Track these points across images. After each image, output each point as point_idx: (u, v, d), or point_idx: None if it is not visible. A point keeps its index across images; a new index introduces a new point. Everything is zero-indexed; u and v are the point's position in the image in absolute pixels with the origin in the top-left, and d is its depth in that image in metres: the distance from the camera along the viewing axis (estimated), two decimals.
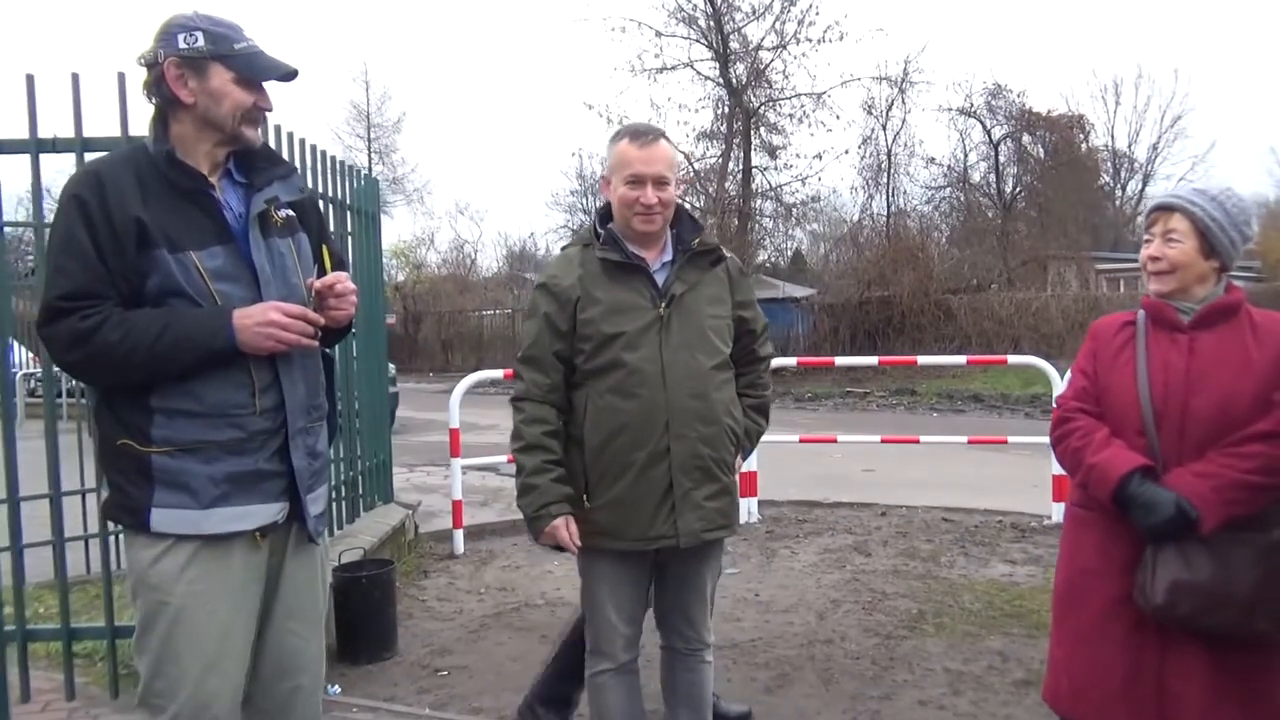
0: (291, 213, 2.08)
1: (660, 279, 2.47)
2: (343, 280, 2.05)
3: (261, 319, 1.90)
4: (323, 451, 2.14)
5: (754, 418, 2.66)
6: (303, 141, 4.36)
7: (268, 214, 2.01)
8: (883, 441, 8.22)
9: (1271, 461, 2.07)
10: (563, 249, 2.68)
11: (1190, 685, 2.12)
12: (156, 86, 1.93)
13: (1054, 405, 2.41)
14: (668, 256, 2.52)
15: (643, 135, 2.46)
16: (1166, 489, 2.10)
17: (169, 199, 1.90)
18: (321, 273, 2.10)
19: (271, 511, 2.00)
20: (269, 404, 1.97)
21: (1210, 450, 2.12)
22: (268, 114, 2.04)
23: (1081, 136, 27.11)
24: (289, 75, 2.01)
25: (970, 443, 7.75)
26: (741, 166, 22.53)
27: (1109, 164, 32.34)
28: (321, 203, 4.73)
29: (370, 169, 28.03)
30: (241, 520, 1.95)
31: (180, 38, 1.90)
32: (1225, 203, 2.21)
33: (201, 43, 1.91)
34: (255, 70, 1.96)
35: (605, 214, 2.55)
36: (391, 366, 12.15)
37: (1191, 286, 2.23)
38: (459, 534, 5.87)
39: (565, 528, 2.40)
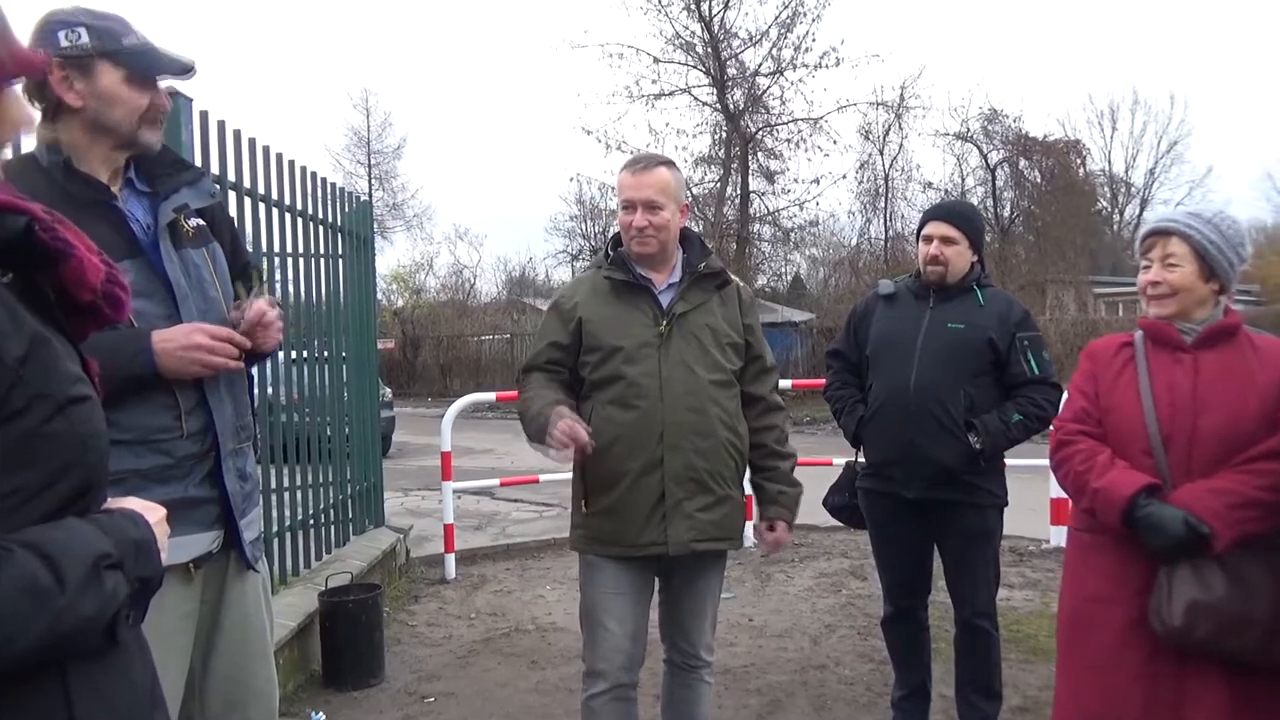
0: (202, 222, 1.95)
1: (665, 299, 2.55)
2: (270, 312, 1.91)
3: (185, 342, 1.76)
4: (252, 473, 2.01)
5: (775, 464, 2.67)
6: (292, 164, 4.37)
7: (178, 223, 1.88)
8: None
9: None
10: (581, 271, 2.82)
11: (1210, 717, 2.05)
12: (39, 90, 1.73)
13: (1050, 428, 2.37)
14: (675, 278, 2.59)
15: (638, 163, 2.57)
16: (1174, 506, 2.06)
17: (68, 213, 1.71)
18: (247, 291, 1.96)
19: (205, 541, 1.87)
20: (196, 426, 1.83)
21: (1219, 469, 2.08)
22: (165, 114, 1.86)
23: (1078, 161, 27.21)
24: (186, 71, 1.83)
25: None
26: (739, 191, 22.64)
27: (1106, 189, 32.45)
28: (314, 225, 4.73)
29: (370, 195, 28.14)
30: (174, 553, 1.79)
31: (61, 35, 1.70)
32: (1220, 225, 2.19)
33: (86, 39, 1.70)
34: (148, 67, 1.77)
35: (619, 238, 2.65)
36: (387, 390, 12.21)
37: (1191, 310, 2.20)
38: (450, 558, 5.81)
39: (565, 415, 2.36)
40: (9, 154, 1.10)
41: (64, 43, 1.70)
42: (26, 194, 1.43)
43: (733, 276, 2.67)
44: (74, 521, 0.99)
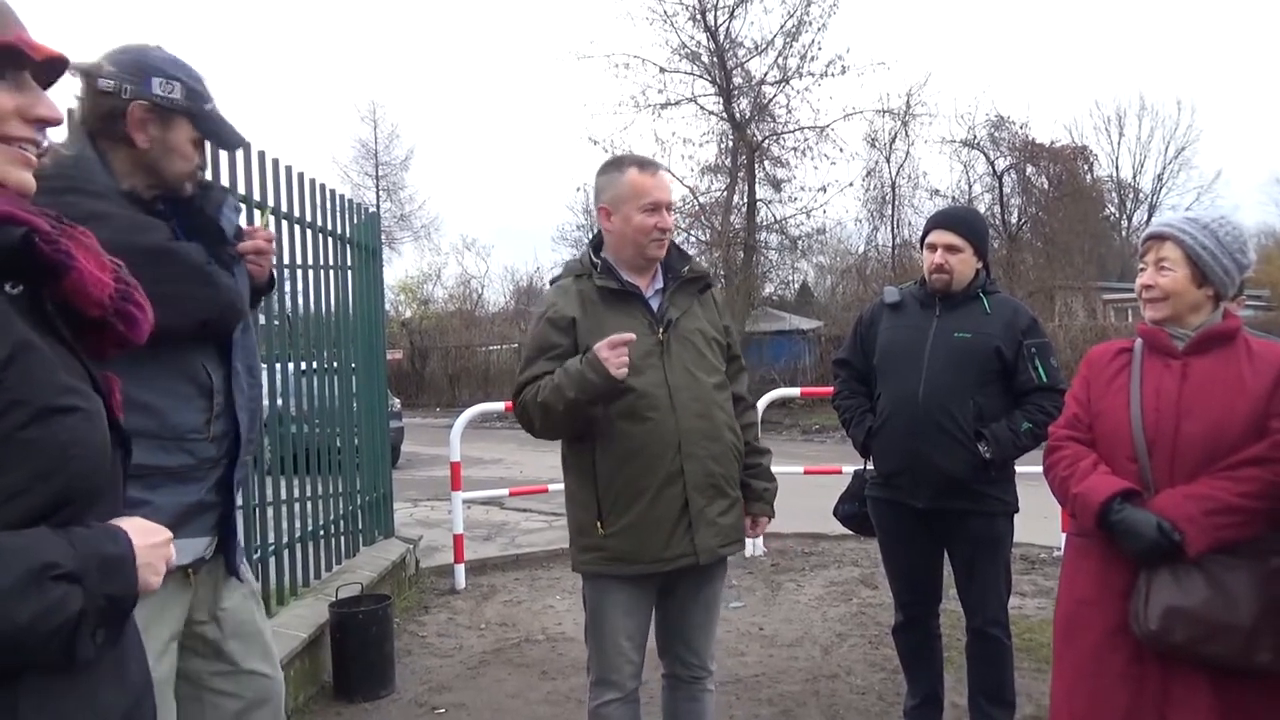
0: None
1: (654, 305, 2.52)
2: (266, 236, 2.07)
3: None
4: (243, 484, 2.11)
5: (758, 468, 2.66)
6: (300, 176, 4.39)
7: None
8: None
9: (1266, 486, 2.03)
10: (553, 281, 2.70)
11: None
12: (107, 119, 1.78)
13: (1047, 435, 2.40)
14: (659, 284, 2.56)
15: (649, 165, 2.53)
16: (1148, 511, 2.07)
17: None
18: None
19: (200, 546, 1.89)
20: (219, 430, 1.89)
21: (1203, 474, 2.08)
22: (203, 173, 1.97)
23: (1085, 167, 27.13)
24: (240, 146, 2.01)
25: None
26: (746, 200, 22.61)
27: (1114, 195, 32.35)
28: (323, 237, 4.75)
29: (378, 207, 28.21)
30: (179, 555, 1.79)
31: (157, 83, 1.78)
32: (1218, 231, 2.19)
33: (178, 95, 1.80)
34: (219, 138, 1.90)
35: (598, 245, 2.58)
36: (396, 401, 12.21)
37: (1185, 314, 2.20)
38: (460, 569, 5.81)
39: (599, 346, 2.27)
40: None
41: (157, 90, 1.78)
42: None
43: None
44: (37, 530, 0.97)
